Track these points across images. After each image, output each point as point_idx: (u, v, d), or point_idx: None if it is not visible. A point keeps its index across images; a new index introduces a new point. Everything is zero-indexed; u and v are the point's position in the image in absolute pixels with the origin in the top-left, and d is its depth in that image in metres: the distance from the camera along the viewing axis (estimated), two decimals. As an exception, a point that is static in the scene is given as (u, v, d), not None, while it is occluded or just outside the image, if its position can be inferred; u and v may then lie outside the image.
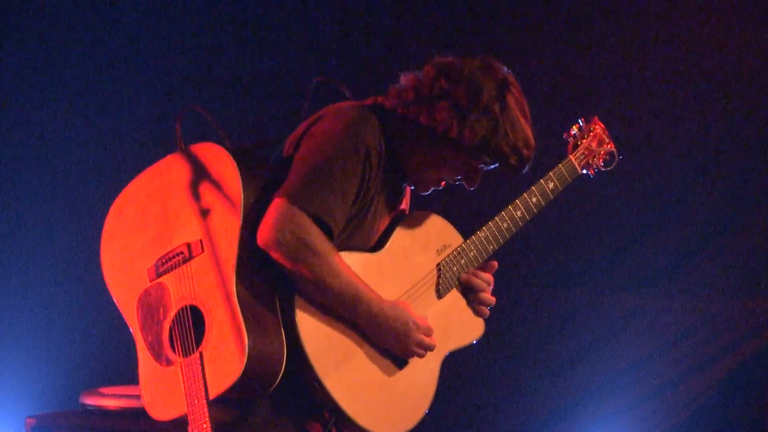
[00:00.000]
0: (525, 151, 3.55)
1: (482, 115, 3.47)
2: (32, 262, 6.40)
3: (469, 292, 3.67)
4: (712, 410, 6.48)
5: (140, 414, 3.42)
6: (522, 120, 3.55)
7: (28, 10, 6.36)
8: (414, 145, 3.53)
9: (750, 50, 6.41)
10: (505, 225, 3.70)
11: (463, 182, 3.63)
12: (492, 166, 3.58)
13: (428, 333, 3.47)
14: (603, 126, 3.98)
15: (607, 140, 3.96)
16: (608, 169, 3.98)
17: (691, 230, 6.54)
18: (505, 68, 3.58)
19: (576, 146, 3.92)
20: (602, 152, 3.95)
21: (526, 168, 3.60)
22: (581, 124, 3.96)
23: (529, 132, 3.57)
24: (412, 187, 3.66)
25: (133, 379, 3.38)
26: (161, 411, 3.29)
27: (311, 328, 3.30)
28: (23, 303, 6.37)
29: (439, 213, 3.67)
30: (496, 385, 6.64)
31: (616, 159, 3.99)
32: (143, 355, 3.33)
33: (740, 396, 6.45)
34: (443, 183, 3.63)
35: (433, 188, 3.64)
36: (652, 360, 6.55)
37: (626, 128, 6.31)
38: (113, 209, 3.48)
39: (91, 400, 5.02)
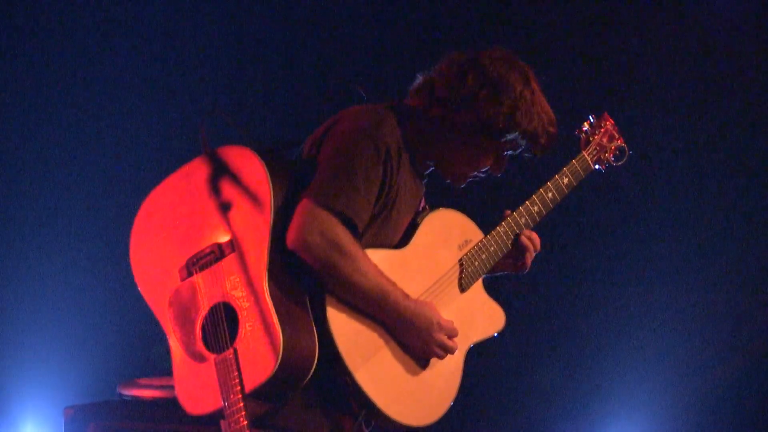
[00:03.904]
0: (551, 129, 3.67)
1: (518, 103, 3.57)
2: (70, 255, 6.45)
3: (519, 249, 3.77)
4: (728, 405, 6.52)
5: (177, 404, 3.46)
6: (545, 101, 3.67)
7: (44, 11, 6.40)
8: (449, 142, 3.60)
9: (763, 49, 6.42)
10: (523, 220, 3.78)
11: (491, 170, 3.72)
12: (518, 150, 3.68)
13: (452, 334, 3.55)
14: (613, 122, 4.05)
15: (617, 136, 4.04)
16: (619, 164, 4.05)
17: (706, 227, 6.56)
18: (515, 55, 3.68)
19: (588, 142, 4.01)
20: (613, 147, 4.03)
21: (553, 146, 3.69)
22: (592, 120, 4.04)
23: (551, 111, 3.68)
24: (448, 181, 3.73)
25: (169, 370, 3.45)
26: (196, 406, 3.39)
27: (341, 323, 3.39)
28: (61, 295, 6.43)
29: (459, 209, 3.74)
30: (512, 382, 6.70)
31: (627, 154, 4.06)
32: (176, 351, 3.41)
33: (758, 391, 6.48)
34: (479, 173, 3.72)
35: (470, 179, 3.73)
36: (668, 356, 6.57)
37: (640, 127, 6.33)
38: (142, 210, 3.54)
39: (128, 391, 5.04)
